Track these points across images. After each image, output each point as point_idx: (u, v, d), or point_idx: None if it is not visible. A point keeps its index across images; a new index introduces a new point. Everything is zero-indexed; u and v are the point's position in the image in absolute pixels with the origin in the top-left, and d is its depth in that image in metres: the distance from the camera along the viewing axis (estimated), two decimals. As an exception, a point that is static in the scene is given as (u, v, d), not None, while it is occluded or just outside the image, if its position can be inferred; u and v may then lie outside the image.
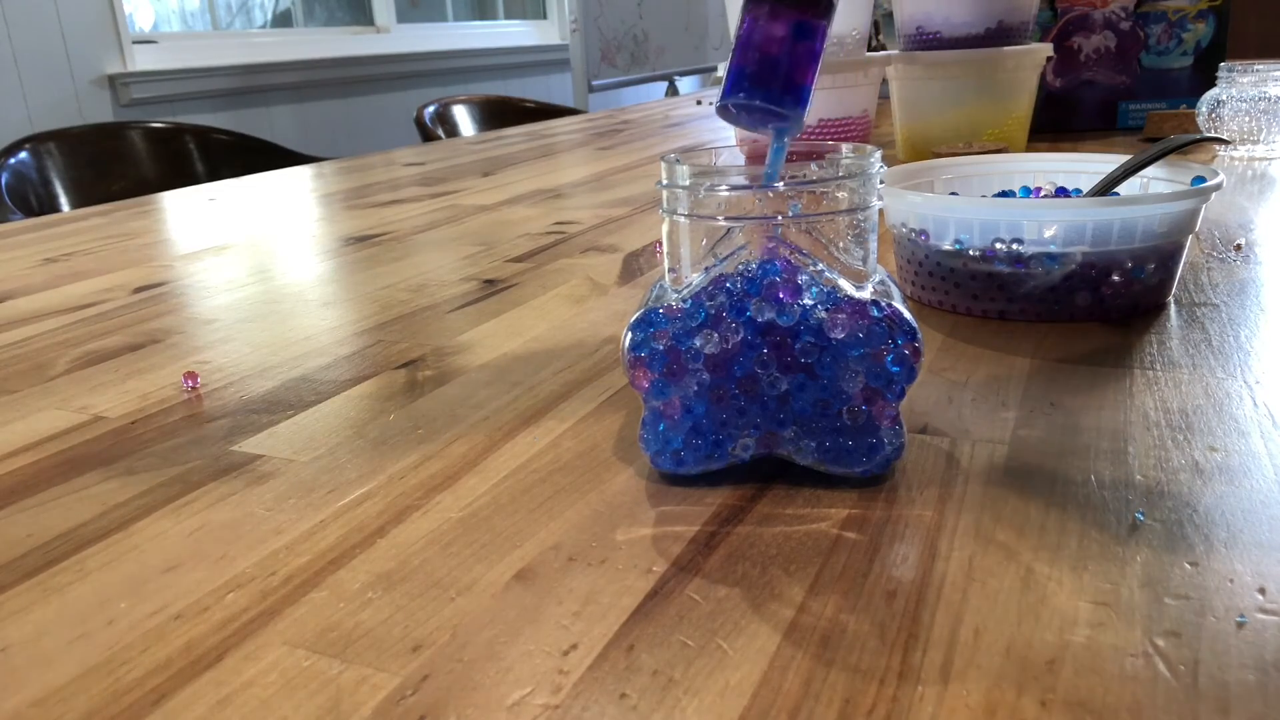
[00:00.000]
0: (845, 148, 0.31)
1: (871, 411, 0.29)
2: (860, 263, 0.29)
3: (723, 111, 0.30)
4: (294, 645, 0.23)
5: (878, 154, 0.29)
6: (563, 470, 0.32)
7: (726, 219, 0.29)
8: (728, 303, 0.29)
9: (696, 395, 0.29)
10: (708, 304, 0.29)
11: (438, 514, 0.29)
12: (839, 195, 0.28)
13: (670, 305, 0.29)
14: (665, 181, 0.30)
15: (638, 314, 0.29)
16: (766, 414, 0.29)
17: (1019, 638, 0.22)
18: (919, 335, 0.28)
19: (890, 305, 0.28)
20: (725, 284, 0.29)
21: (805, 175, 0.30)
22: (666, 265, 0.31)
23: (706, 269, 0.30)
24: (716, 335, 0.29)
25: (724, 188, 0.29)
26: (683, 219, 0.29)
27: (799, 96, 0.29)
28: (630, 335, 0.29)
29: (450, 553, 0.27)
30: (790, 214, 0.28)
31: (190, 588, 0.26)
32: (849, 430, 0.29)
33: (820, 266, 0.29)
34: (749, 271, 0.29)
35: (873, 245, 0.29)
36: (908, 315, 0.28)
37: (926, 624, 0.22)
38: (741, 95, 0.29)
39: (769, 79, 0.29)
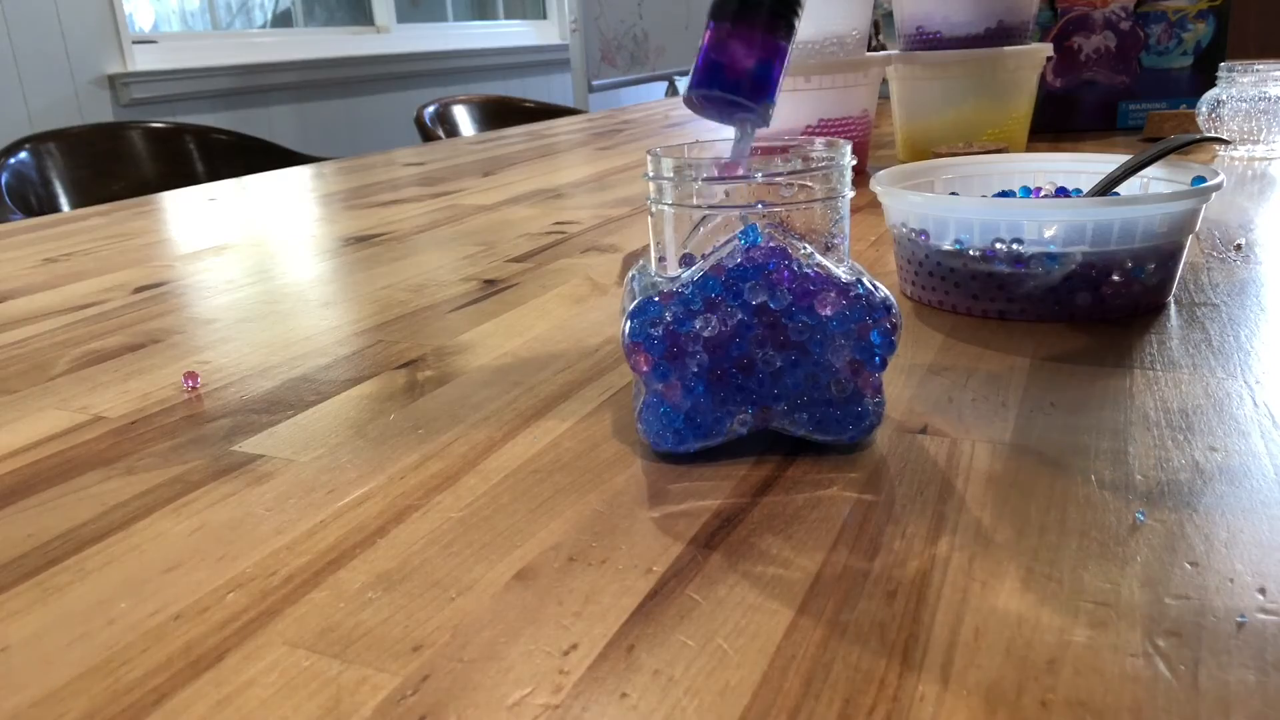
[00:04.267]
0: (819, 142, 0.33)
1: (857, 383, 0.31)
2: (835, 247, 0.32)
3: (688, 102, 0.32)
4: (294, 645, 0.23)
5: (848, 146, 0.31)
6: (563, 470, 0.32)
7: (710, 207, 0.30)
8: (722, 287, 0.30)
9: (695, 376, 0.31)
10: (703, 289, 0.30)
11: (438, 514, 0.29)
12: (815, 185, 0.30)
13: (667, 291, 0.30)
14: (651, 174, 0.31)
15: (635, 302, 0.31)
16: (762, 390, 0.31)
17: (1019, 638, 0.22)
18: (896, 309, 0.31)
19: (871, 283, 0.31)
20: (718, 269, 0.30)
21: (783, 166, 0.31)
22: (654, 254, 0.33)
23: (694, 255, 0.31)
24: (715, 319, 0.30)
25: (706, 178, 0.30)
26: (668, 209, 0.31)
27: (765, 90, 0.30)
28: (630, 323, 0.30)
29: (450, 553, 0.27)
30: (770, 202, 0.30)
31: (190, 588, 0.26)
32: (837, 401, 0.31)
33: (808, 250, 0.30)
34: (741, 257, 0.30)
35: (845, 230, 0.32)
36: (885, 292, 0.31)
37: (926, 624, 0.22)
38: (706, 87, 0.31)
39: (735, 73, 0.31)
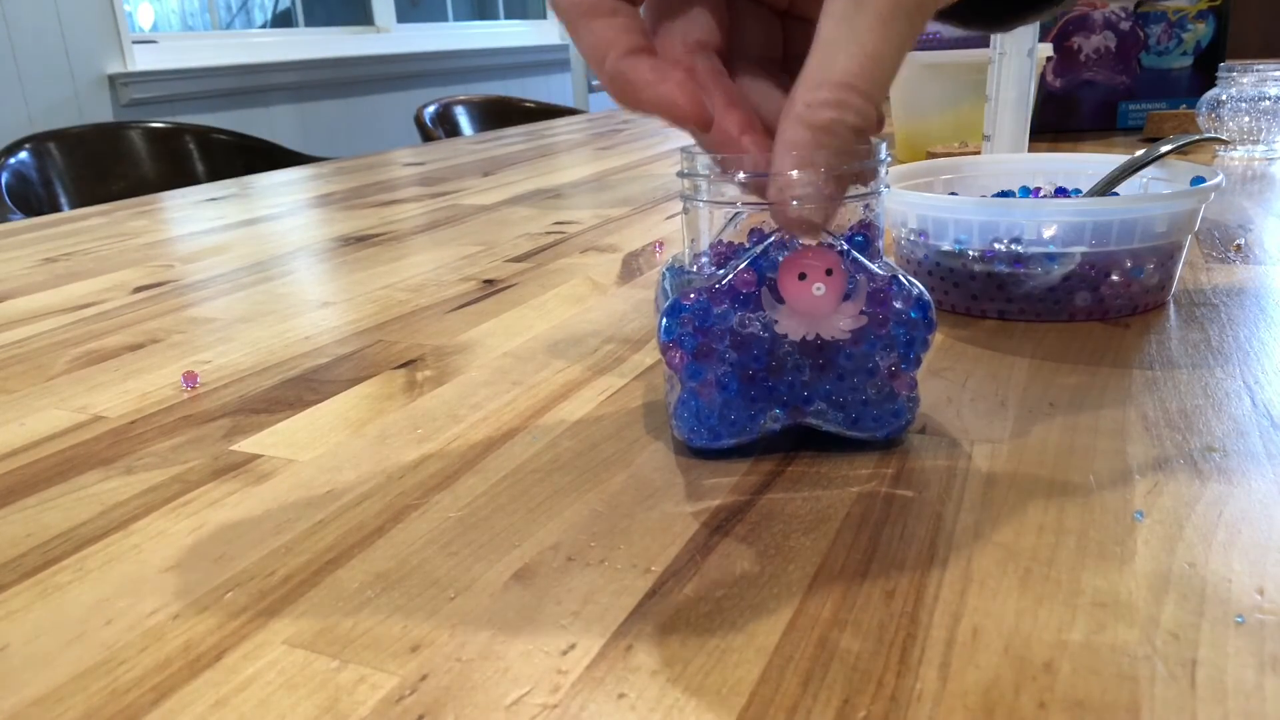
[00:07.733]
0: None
1: (892, 382, 0.31)
2: (871, 244, 0.31)
3: None
4: (292, 645, 0.23)
5: (884, 144, 0.30)
6: (562, 470, 0.32)
7: (745, 204, 0.30)
8: (757, 286, 0.30)
9: (729, 374, 0.31)
10: (738, 287, 0.30)
11: (437, 514, 0.29)
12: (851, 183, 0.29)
13: (700, 289, 0.30)
14: (685, 170, 0.31)
15: (669, 300, 0.31)
16: (794, 391, 0.31)
17: (1017, 638, 0.22)
18: (931, 306, 0.30)
19: (907, 280, 0.30)
20: (753, 268, 0.30)
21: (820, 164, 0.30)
22: (688, 251, 0.32)
23: (726, 254, 0.31)
24: (748, 318, 0.30)
25: (743, 175, 0.29)
26: (703, 206, 0.31)
27: None
28: (664, 321, 0.30)
29: (449, 552, 0.27)
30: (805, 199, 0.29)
31: (189, 587, 0.26)
32: (873, 400, 0.31)
33: (844, 247, 0.30)
34: (775, 252, 0.30)
35: (881, 226, 0.31)
36: (921, 289, 0.30)
37: (925, 624, 0.22)
38: None
39: None
